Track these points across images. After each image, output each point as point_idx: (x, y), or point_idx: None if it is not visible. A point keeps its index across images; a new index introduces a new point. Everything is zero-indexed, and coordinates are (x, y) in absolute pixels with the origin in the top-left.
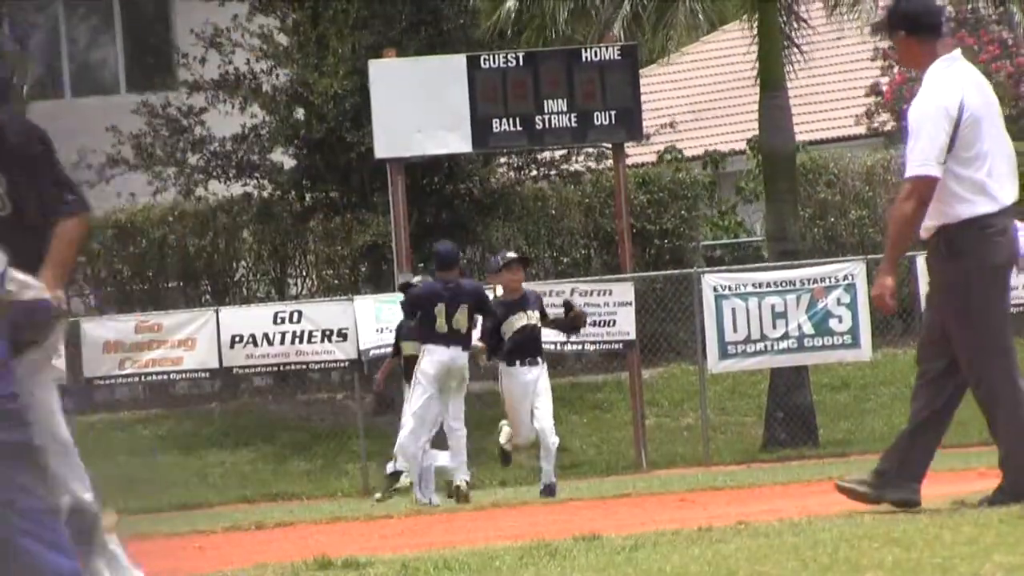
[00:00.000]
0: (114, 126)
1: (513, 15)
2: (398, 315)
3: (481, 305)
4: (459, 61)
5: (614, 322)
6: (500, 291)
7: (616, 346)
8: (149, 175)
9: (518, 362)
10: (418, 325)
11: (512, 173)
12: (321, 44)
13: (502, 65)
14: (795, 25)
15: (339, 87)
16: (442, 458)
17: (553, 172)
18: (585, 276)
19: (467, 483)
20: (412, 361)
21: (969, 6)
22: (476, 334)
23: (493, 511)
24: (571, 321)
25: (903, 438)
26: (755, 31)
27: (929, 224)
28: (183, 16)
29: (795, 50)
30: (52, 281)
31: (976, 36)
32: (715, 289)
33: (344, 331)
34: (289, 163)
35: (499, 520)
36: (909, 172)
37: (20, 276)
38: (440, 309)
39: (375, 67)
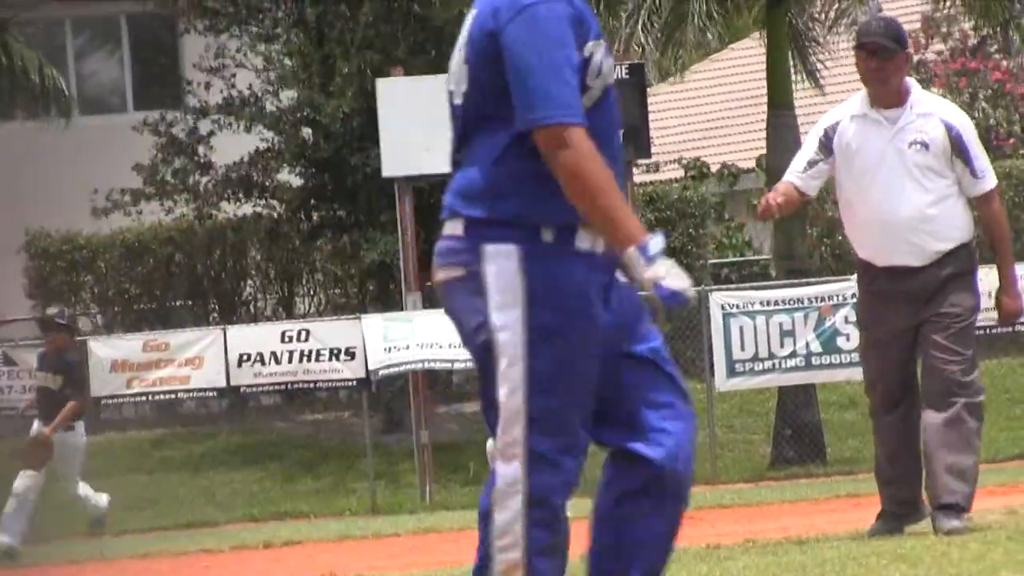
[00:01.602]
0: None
1: None
2: (406, 334)
3: None
4: None
5: None
6: None
7: None
8: (163, 204)
9: None
10: None
11: None
12: (325, 64)
13: None
14: (803, 43)
15: (346, 106)
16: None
17: None
18: None
19: None
20: (44, 394)
21: (975, 34)
22: None
23: None
24: None
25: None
26: (764, 48)
27: (941, 247)
28: (191, 43)
29: (803, 68)
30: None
31: (978, 61)
32: (723, 307)
33: (352, 350)
34: (296, 182)
35: None
36: (993, 182)
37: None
38: None
39: (382, 85)
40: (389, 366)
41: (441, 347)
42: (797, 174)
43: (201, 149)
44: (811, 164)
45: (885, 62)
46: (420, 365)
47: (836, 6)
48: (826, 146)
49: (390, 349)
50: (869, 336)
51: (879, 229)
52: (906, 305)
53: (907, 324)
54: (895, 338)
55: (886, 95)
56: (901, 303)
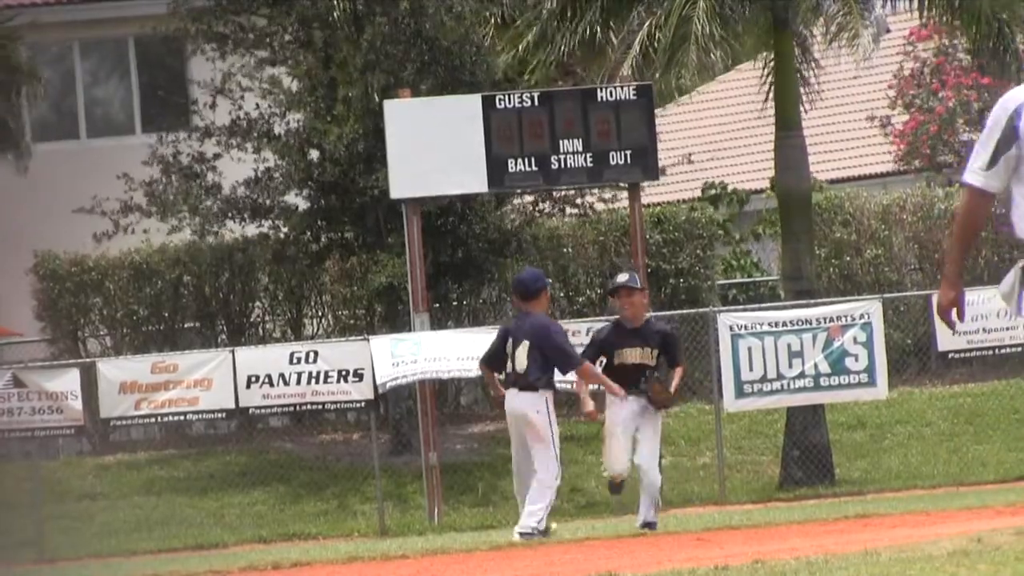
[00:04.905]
0: (126, 174)
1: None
2: (413, 353)
3: (541, 343)
4: (474, 101)
5: None
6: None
7: None
8: (163, 221)
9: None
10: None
11: (526, 209)
12: (331, 87)
13: (517, 105)
14: (809, 64)
15: (351, 131)
16: None
17: (568, 207)
18: (600, 316)
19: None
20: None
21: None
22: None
23: (509, 551)
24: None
25: None
26: (770, 70)
27: None
28: (198, 65)
29: (809, 87)
30: None
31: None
32: (731, 328)
33: (360, 371)
34: (303, 204)
35: (515, 560)
36: None
37: None
38: (508, 346)
39: (390, 107)
40: (397, 378)
41: (448, 360)
42: (980, 172)
43: (210, 176)
44: (996, 156)
45: None
46: (428, 376)
47: (837, 20)
48: (1015, 133)
49: (398, 364)
50: None
51: None
52: None
53: None
54: None
55: None
56: None
